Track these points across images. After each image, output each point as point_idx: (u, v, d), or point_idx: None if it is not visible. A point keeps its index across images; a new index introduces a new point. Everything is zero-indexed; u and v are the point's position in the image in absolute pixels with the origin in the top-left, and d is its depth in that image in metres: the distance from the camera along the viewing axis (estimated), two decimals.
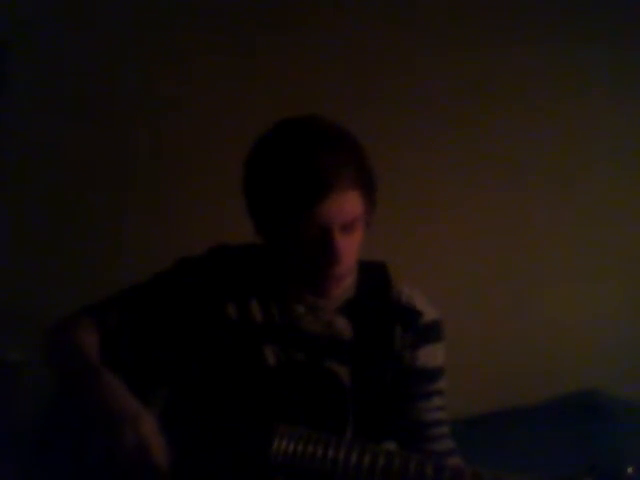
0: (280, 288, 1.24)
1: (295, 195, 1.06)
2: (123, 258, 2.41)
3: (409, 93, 2.43)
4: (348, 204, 1.08)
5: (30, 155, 2.54)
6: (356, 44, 2.47)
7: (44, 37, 2.55)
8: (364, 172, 1.13)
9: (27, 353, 2.23)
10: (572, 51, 2.39)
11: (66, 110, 2.54)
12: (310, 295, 1.20)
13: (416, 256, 2.32)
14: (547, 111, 2.40)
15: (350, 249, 1.12)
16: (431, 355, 1.24)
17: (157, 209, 2.48)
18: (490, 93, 2.42)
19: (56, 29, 2.55)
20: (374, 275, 1.28)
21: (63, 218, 2.50)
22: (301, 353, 1.21)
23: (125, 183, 2.52)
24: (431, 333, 1.25)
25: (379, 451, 1.00)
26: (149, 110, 2.53)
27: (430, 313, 1.26)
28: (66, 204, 2.51)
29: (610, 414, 2.06)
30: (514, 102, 2.41)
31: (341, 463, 1.00)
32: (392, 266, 1.31)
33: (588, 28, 2.38)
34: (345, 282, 1.18)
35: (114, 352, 1.20)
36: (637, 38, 2.37)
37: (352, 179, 1.08)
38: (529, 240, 2.39)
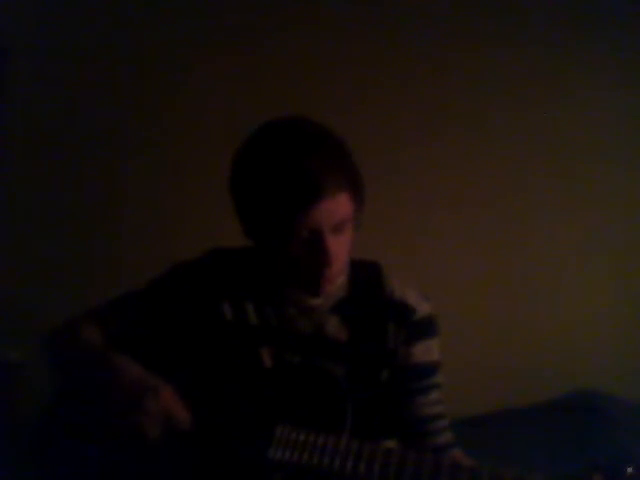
0: (273, 290, 1.24)
1: (286, 200, 1.06)
2: (121, 258, 2.41)
3: (410, 93, 2.44)
4: (338, 206, 1.08)
5: (30, 156, 2.54)
6: (356, 43, 2.48)
7: (44, 41, 2.55)
8: (352, 173, 1.12)
9: (27, 353, 2.23)
10: (575, 49, 2.40)
11: (65, 112, 2.54)
12: (304, 295, 1.20)
13: (416, 256, 2.32)
14: (549, 110, 2.40)
15: (341, 250, 1.13)
16: (427, 351, 1.24)
17: (156, 209, 2.48)
18: (491, 91, 2.42)
19: (56, 32, 2.55)
20: (367, 273, 1.27)
21: (63, 219, 2.50)
22: (296, 355, 1.21)
23: (125, 184, 2.52)
24: (425, 329, 1.24)
25: (375, 457, 1.01)
26: (148, 110, 2.53)
27: (423, 308, 1.25)
28: (66, 205, 2.52)
29: (609, 414, 2.06)
30: (515, 101, 2.41)
31: (337, 471, 1.00)
32: (385, 264, 1.30)
33: (591, 25, 2.39)
34: (338, 280, 1.18)
35: None
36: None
37: (341, 182, 1.08)
38: (529, 241, 2.39)
